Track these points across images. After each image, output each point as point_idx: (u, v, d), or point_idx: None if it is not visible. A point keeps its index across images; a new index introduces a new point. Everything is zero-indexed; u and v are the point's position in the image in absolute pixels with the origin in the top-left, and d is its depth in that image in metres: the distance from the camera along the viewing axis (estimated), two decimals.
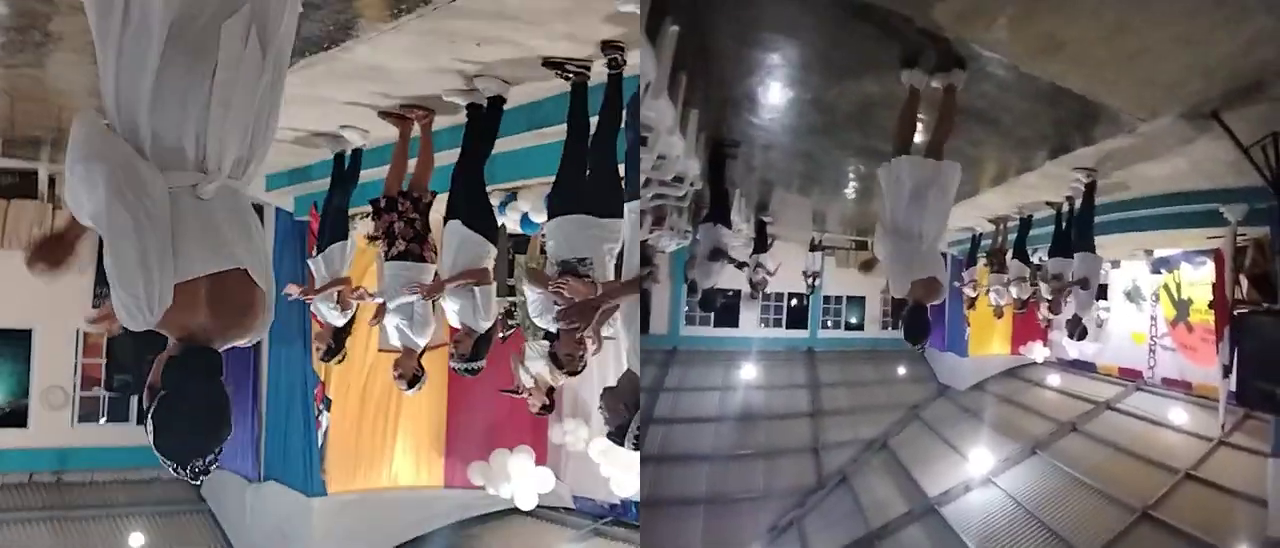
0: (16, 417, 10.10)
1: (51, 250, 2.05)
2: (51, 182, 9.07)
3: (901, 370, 15.64)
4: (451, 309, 5.22)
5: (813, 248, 14.33)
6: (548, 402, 5.60)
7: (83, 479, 10.11)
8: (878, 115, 5.84)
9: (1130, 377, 12.92)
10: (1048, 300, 7.94)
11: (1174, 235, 9.12)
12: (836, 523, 11.27)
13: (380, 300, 5.74)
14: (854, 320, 16.42)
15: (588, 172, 4.60)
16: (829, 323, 16.23)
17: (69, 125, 1.93)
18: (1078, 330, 7.94)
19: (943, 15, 4.07)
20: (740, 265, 8.78)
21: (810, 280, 14.69)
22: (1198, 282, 10.74)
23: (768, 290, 14.20)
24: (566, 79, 4.80)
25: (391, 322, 5.53)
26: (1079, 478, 10.58)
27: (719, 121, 6.55)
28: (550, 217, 4.65)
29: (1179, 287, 11.51)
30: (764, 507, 11.56)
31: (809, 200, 11.01)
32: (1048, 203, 8.47)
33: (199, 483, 1.76)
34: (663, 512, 11.11)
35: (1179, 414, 11.26)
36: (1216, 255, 8.66)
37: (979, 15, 4.01)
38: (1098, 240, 7.36)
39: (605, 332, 4.45)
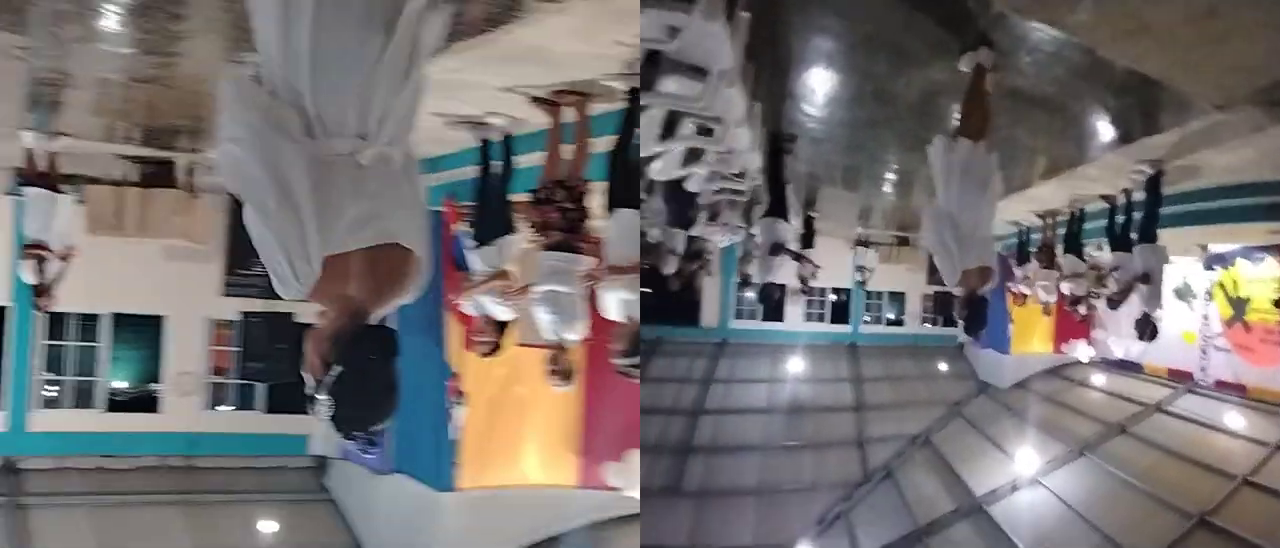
0: (148, 402, 10.35)
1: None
2: (190, 170, 8.94)
3: (942, 367, 15.81)
4: (614, 302, 4.90)
5: (861, 243, 14.56)
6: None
7: (211, 465, 10.33)
8: (940, 106, 5.72)
9: (1180, 378, 12.43)
10: (1108, 296, 7.64)
11: (1232, 229, 8.70)
12: (884, 517, 11.29)
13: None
14: (893, 316, 16.86)
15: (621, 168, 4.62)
16: (870, 318, 16.76)
17: (205, 114, 1.87)
18: (1148, 330, 7.24)
19: None
20: (799, 259, 8.56)
21: (862, 275, 15.21)
22: (1256, 279, 10.40)
23: (812, 285, 14.59)
24: None
25: (543, 315, 5.17)
26: (1130, 481, 10.23)
27: (778, 115, 6.45)
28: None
29: (1236, 284, 11.11)
30: (812, 499, 11.72)
31: (855, 195, 10.84)
32: (1103, 196, 8.26)
33: (369, 448, 1.85)
34: (713, 502, 11.25)
35: (1234, 418, 10.78)
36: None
37: None
38: None
39: None
